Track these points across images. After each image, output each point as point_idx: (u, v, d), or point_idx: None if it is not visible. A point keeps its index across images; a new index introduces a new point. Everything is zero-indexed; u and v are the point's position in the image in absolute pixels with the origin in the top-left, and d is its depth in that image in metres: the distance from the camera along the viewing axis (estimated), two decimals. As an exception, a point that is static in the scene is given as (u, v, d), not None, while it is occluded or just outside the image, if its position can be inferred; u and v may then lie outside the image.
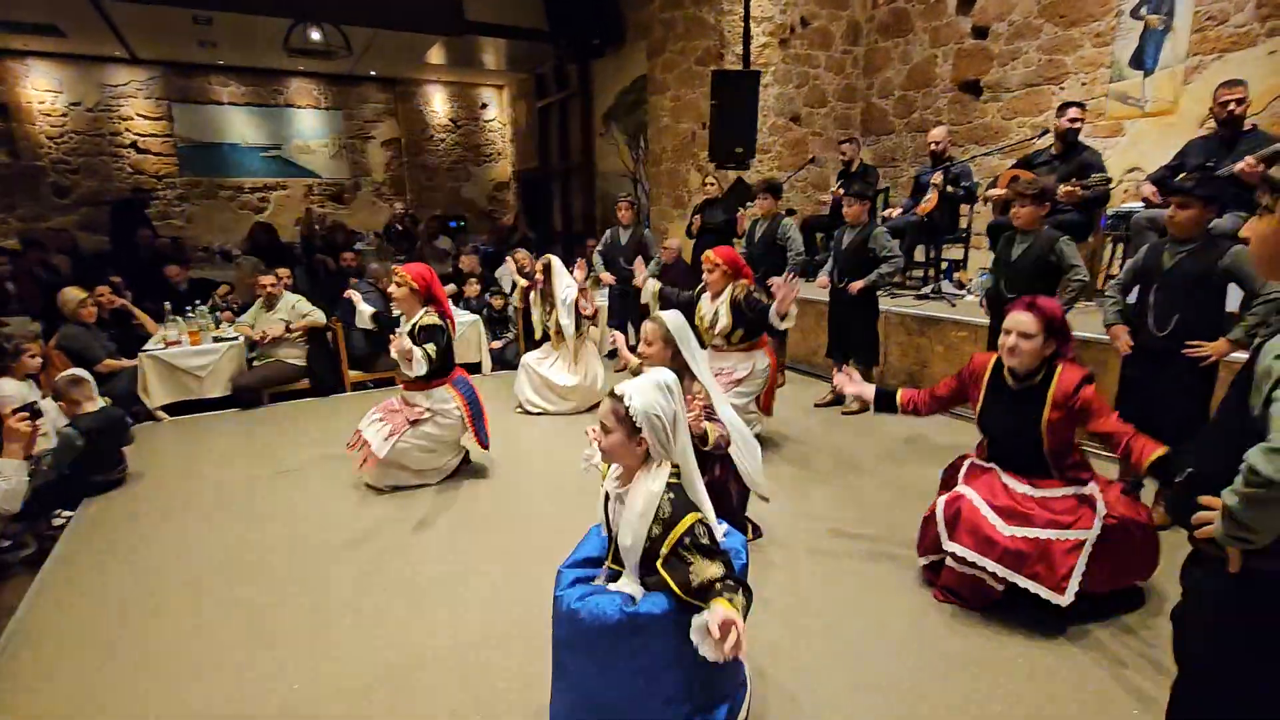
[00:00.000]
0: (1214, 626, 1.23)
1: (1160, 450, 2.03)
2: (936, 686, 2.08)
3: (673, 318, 2.65)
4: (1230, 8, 4.86)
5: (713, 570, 1.54)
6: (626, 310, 5.91)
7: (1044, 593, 2.22)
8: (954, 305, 5.14)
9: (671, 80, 7.58)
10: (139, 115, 10.26)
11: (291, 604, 2.60)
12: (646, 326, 2.69)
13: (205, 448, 4.38)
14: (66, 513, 3.45)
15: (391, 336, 3.32)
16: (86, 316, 4.71)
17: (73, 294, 4.72)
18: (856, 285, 4.41)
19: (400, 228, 10.43)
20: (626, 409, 1.65)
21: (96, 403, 3.73)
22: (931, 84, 7.03)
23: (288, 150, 11.36)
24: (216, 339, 5.14)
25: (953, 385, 2.60)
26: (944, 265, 5.83)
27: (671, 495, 1.63)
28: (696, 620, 1.51)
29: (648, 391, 1.68)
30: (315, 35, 6.99)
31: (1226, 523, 1.08)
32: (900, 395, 2.71)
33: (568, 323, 4.69)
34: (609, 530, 1.82)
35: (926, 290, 5.53)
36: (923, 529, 2.59)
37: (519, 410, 4.87)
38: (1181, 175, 3.72)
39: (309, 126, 11.45)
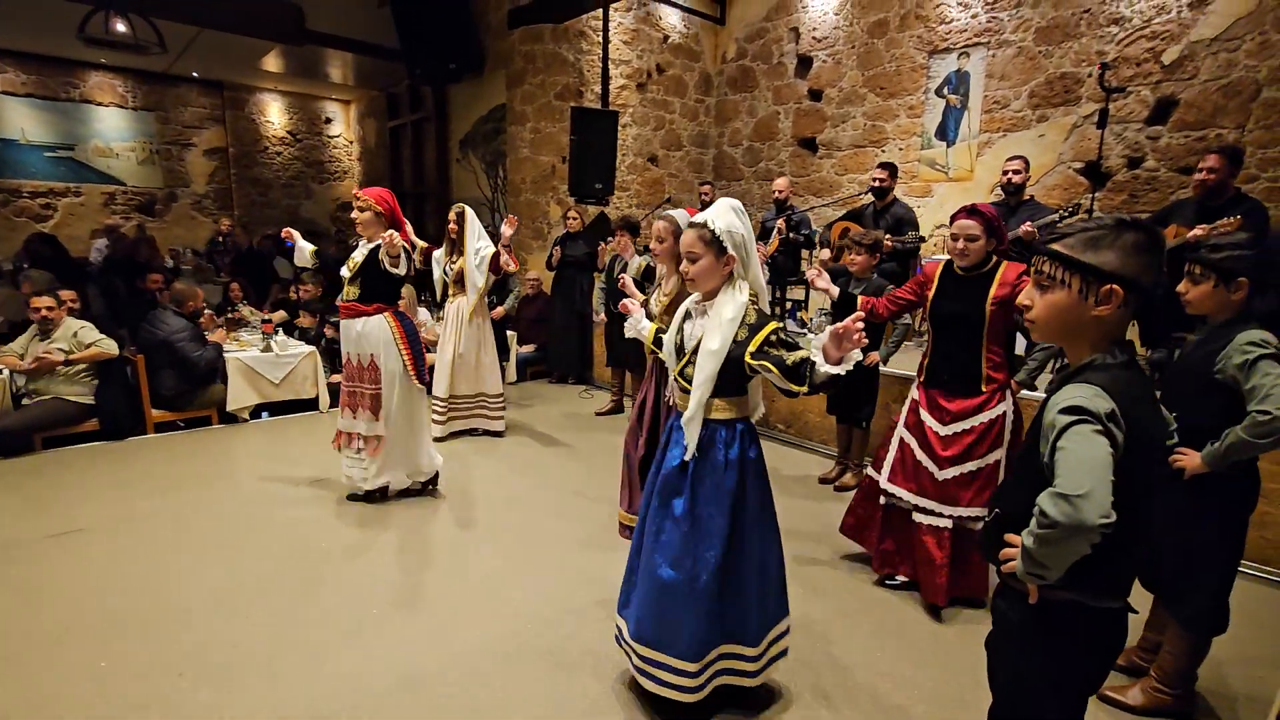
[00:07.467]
0: (1017, 652, 1.36)
1: None
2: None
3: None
4: (1010, 95, 5.76)
5: (801, 354, 1.75)
6: (501, 340, 5.74)
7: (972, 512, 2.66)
8: (797, 343, 5.51)
9: (531, 112, 7.56)
10: (-127, 96, 8.42)
11: (77, 693, 2.13)
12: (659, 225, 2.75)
13: (-54, 509, 3.54)
14: None
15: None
16: None
17: None
18: None
19: (223, 242, 9.36)
20: (712, 232, 1.84)
21: None
22: (775, 138, 7.62)
23: (83, 152, 9.84)
24: (-30, 373, 4.23)
25: (912, 288, 2.97)
26: (788, 305, 6.26)
27: (756, 306, 1.90)
28: (817, 338, 1.69)
29: (726, 214, 1.88)
30: (120, 27, 6.13)
31: (1025, 560, 1.20)
32: (860, 299, 3.13)
33: (477, 275, 4.62)
34: (678, 349, 2.00)
35: (772, 328, 5.88)
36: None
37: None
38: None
39: (112, 127, 10.01)
